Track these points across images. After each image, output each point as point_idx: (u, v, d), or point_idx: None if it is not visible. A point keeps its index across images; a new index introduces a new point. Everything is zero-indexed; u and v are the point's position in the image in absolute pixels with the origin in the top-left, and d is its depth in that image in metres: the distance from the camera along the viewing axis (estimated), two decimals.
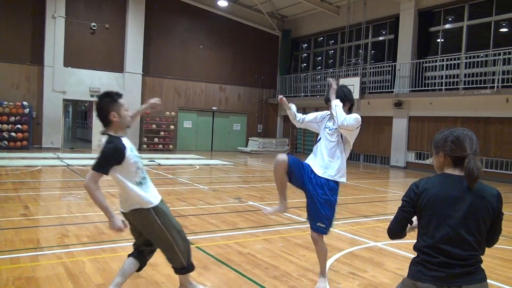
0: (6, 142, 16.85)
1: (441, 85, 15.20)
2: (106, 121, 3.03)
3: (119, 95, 3.09)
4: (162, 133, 20.14)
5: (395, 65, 16.79)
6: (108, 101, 3.03)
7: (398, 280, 4.22)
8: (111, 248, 4.84)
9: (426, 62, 15.81)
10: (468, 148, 2.03)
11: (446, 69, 15.10)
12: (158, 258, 4.53)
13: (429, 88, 15.76)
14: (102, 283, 3.79)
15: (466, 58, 14.68)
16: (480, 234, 2.00)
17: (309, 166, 3.74)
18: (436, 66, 15.56)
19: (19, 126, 17.11)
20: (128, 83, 19.17)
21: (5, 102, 16.90)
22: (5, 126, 16.83)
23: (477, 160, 2.00)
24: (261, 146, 21.63)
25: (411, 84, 16.19)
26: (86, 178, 2.87)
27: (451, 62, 15.02)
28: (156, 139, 20.02)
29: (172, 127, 20.38)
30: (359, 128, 3.69)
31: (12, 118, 16.99)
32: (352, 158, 19.04)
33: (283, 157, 3.64)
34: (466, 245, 1.97)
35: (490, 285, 2.39)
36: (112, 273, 4.03)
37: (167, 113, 20.31)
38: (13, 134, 16.97)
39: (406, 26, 16.61)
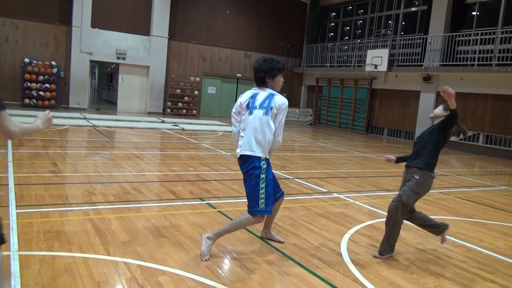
0: (35, 101, 17.20)
1: (474, 60, 14.70)
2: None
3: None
4: (186, 98, 20.22)
5: (426, 37, 16.26)
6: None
7: (420, 255, 4.23)
8: (136, 208, 4.98)
9: (459, 36, 15.26)
10: None
11: (480, 43, 14.56)
12: (181, 219, 4.66)
13: (461, 63, 15.26)
14: (128, 240, 3.91)
15: (502, 33, 14.10)
16: None
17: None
18: (469, 40, 15.01)
19: (47, 85, 17.41)
20: (154, 47, 19.17)
21: (34, 61, 17.17)
22: (33, 84, 17.13)
23: None
24: None
25: (442, 58, 15.70)
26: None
27: (486, 36, 14.45)
28: (180, 104, 20.13)
29: (196, 92, 20.41)
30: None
31: (41, 77, 17.26)
32: (376, 131, 18.81)
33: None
34: None
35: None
36: (137, 231, 4.15)
37: (192, 78, 20.31)
38: (41, 93, 17.29)
39: None
